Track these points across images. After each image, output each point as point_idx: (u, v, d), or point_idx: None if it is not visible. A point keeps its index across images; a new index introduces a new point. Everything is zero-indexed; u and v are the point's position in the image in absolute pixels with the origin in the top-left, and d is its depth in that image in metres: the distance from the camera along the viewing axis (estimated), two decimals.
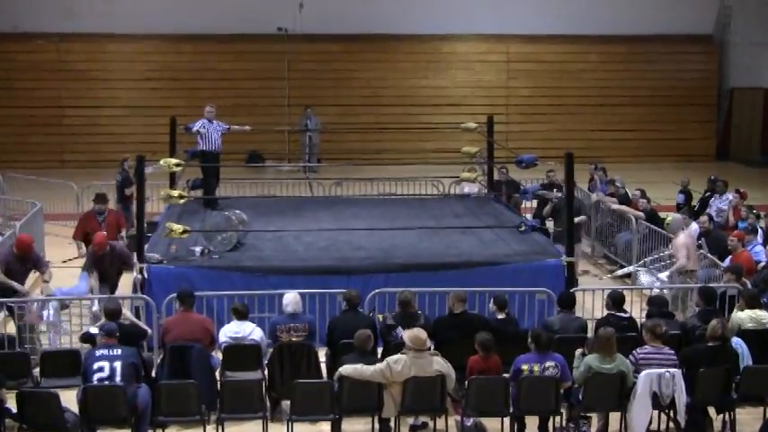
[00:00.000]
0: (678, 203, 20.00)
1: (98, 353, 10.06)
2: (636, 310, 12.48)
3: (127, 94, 29.64)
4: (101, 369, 9.94)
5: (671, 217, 15.13)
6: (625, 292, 12.19)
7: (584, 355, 10.47)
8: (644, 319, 11.93)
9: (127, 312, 11.96)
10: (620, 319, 11.49)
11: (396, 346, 10.68)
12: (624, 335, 11.03)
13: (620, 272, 16.44)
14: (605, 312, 11.82)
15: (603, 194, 19.10)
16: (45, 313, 12.70)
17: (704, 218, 16.72)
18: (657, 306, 11.92)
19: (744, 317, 11.65)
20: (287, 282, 12.92)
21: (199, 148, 17.86)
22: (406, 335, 10.26)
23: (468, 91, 30.49)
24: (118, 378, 9.92)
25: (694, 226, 16.62)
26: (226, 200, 17.77)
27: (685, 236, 14.43)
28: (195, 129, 17.78)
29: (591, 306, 12.80)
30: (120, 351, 10.04)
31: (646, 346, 10.38)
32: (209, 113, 17.93)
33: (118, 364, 9.93)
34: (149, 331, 11.96)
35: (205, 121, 17.82)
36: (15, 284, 12.89)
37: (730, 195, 18.65)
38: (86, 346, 11.12)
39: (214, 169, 17.99)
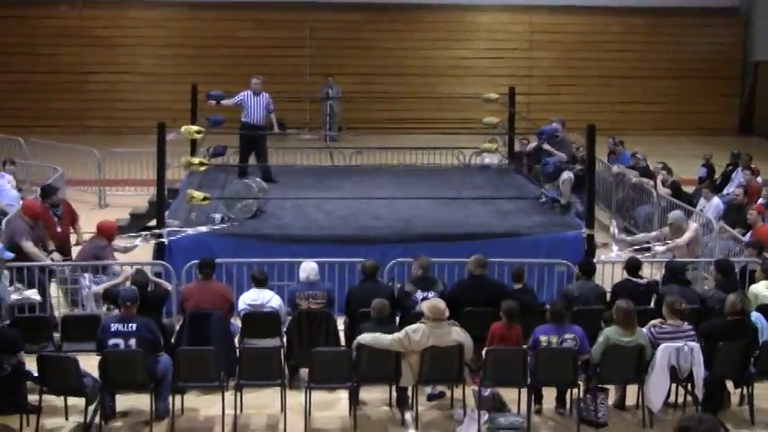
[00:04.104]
0: (700, 177, 19.89)
1: (113, 327, 10.01)
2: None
3: (148, 61, 29.64)
4: (116, 345, 9.97)
5: (672, 214, 14.89)
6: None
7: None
8: (660, 286, 12.01)
9: (147, 272, 12.01)
10: (638, 285, 11.65)
11: (414, 316, 10.71)
12: (644, 308, 11.07)
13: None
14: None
15: (625, 167, 19.02)
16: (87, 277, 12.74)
17: (739, 191, 16.68)
18: (674, 273, 11.94)
19: (762, 287, 11.68)
20: (306, 250, 12.95)
21: (241, 119, 17.67)
22: (425, 305, 10.30)
23: (490, 61, 30.35)
24: None
25: (716, 200, 16.58)
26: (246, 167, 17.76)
27: (692, 232, 14.23)
28: (238, 100, 17.61)
29: (610, 277, 12.75)
30: (135, 326, 9.99)
31: (664, 324, 10.37)
32: (255, 85, 17.63)
33: (132, 342, 9.95)
34: (170, 288, 12.02)
35: (249, 92, 17.62)
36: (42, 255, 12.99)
37: (741, 174, 18.52)
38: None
39: (252, 142, 17.65)
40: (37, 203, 13.96)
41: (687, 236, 14.07)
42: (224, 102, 17.65)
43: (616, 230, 15.53)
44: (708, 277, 13.79)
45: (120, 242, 13.89)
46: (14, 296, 11.46)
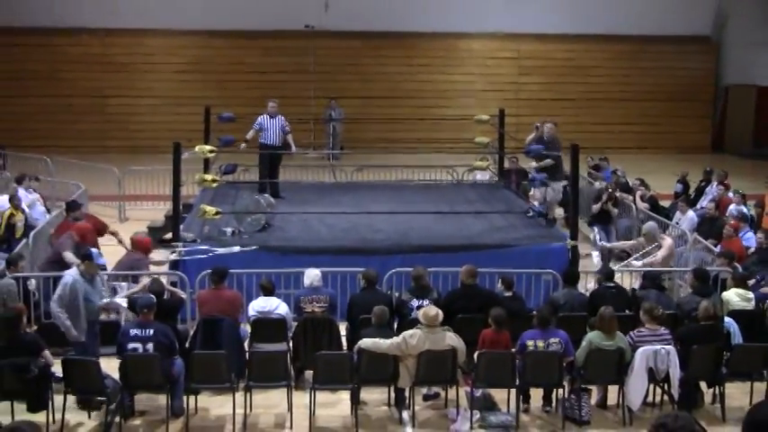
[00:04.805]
0: (676, 192, 19.94)
1: (132, 332, 10.07)
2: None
3: (164, 86, 29.69)
4: (134, 350, 10.01)
5: (646, 226, 14.92)
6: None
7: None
8: (637, 290, 12.10)
9: (164, 281, 12.00)
10: (608, 288, 11.76)
11: (410, 322, 10.73)
12: (624, 314, 11.11)
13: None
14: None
15: (607, 183, 19.04)
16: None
17: (711, 205, 16.77)
18: (651, 280, 12.07)
19: (732, 294, 11.78)
20: (311, 261, 12.92)
21: (260, 140, 17.66)
22: (421, 312, 10.31)
23: (482, 85, 30.41)
24: None
25: (690, 213, 16.61)
26: (254, 184, 17.77)
27: (666, 248, 14.20)
28: (256, 125, 17.57)
29: (592, 286, 12.77)
30: (152, 331, 10.04)
31: (642, 329, 10.42)
32: (271, 108, 17.67)
33: (150, 346, 10.00)
34: (184, 297, 12.04)
35: (266, 116, 17.62)
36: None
37: (715, 188, 18.55)
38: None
39: (269, 161, 17.68)
40: (89, 227, 13.91)
41: (662, 253, 14.09)
42: (248, 136, 17.62)
43: (597, 237, 15.54)
44: (683, 284, 13.86)
45: (155, 256, 13.87)
46: (105, 300, 11.46)
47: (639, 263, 14.23)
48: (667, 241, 14.41)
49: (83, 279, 10.77)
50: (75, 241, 13.19)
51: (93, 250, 11.79)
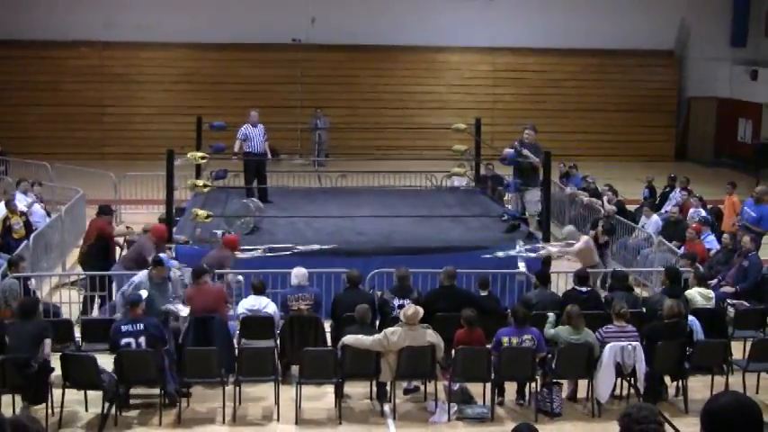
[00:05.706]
0: (644, 197, 19.98)
1: (123, 328, 10.04)
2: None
3: (159, 96, 29.56)
4: (128, 345, 9.97)
5: (566, 229, 14.91)
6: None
7: (557, 317, 10.57)
8: (605, 292, 12.10)
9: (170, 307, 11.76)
10: (581, 293, 11.65)
11: (392, 320, 10.71)
12: (594, 312, 11.12)
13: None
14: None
15: (577, 189, 19.10)
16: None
17: (675, 209, 16.85)
18: (619, 280, 12.06)
19: (694, 293, 11.86)
20: (298, 262, 12.88)
21: (245, 149, 17.54)
22: (402, 311, 10.31)
23: (459, 96, 30.39)
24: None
25: (655, 217, 16.66)
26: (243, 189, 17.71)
27: (582, 243, 14.00)
28: (241, 136, 17.45)
29: (563, 285, 12.77)
30: (142, 325, 10.04)
31: (610, 325, 10.45)
32: (254, 117, 17.60)
33: (142, 340, 9.98)
34: (184, 314, 11.90)
35: (248, 125, 17.56)
36: None
37: (678, 194, 18.62)
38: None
39: (255, 168, 17.61)
40: (165, 228, 13.82)
41: (577, 246, 13.92)
42: (236, 148, 17.49)
43: (523, 249, 15.07)
44: (647, 284, 13.91)
45: (240, 254, 13.72)
46: (166, 305, 11.27)
47: (555, 249, 14.07)
48: (583, 238, 14.26)
49: (150, 282, 10.97)
50: (154, 242, 13.15)
51: (163, 255, 11.73)
